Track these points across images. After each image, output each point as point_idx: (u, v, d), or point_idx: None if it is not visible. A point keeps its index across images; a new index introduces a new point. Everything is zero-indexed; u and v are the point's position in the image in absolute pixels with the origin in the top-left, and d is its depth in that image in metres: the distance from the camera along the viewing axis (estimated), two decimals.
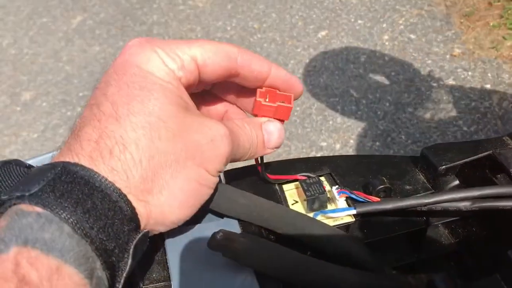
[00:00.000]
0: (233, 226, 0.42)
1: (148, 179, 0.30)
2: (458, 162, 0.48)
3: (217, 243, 0.37)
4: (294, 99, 0.41)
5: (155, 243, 0.41)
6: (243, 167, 0.48)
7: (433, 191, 0.49)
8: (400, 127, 1.67)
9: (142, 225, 0.31)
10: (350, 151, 1.63)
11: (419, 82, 1.81)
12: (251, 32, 2.22)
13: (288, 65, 2.02)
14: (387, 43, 2.00)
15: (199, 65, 0.34)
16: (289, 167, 0.49)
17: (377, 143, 1.64)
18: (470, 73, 1.81)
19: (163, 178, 0.31)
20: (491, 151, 0.48)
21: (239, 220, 0.43)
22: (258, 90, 0.39)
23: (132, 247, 0.30)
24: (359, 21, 2.15)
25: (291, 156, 1.66)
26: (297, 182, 0.46)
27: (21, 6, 2.67)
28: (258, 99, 0.39)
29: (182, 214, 0.33)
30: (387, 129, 1.68)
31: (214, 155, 0.33)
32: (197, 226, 0.42)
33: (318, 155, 1.64)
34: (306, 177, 0.46)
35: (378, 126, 1.70)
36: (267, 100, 0.39)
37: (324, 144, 1.68)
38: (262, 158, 0.44)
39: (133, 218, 0.30)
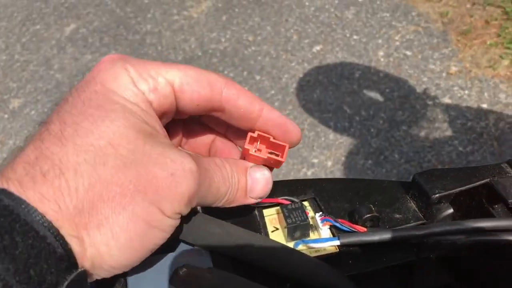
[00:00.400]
0: (204, 258, 0.39)
1: (84, 211, 0.26)
2: (452, 191, 0.45)
3: (180, 279, 0.34)
4: (290, 147, 0.37)
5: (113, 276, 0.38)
6: None
7: (425, 221, 0.47)
8: (393, 145, 1.65)
9: (78, 264, 0.27)
10: (342, 169, 1.60)
11: (414, 100, 1.80)
12: (245, 44, 2.20)
13: (282, 79, 2.00)
14: (382, 59, 1.99)
15: (175, 90, 0.31)
16: (272, 190, 0.47)
17: (370, 161, 1.62)
18: (466, 91, 1.80)
19: (102, 213, 0.27)
20: (488, 179, 0.45)
21: (212, 252, 0.40)
22: (249, 134, 0.35)
23: None
24: (355, 37, 2.14)
25: (282, 173, 1.63)
26: (278, 207, 0.44)
27: (15, 12, 2.66)
28: (246, 146, 0.36)
29: (124, 259, 0.28)
30: (380, 147, 1.66)
31: (172, 193, 0.28)
32: (161, 255, 0.39)
33: (309, 172, 1.61)
34: (288, 201, 0.44)
35: (371, 143, 1.68)
36: (256, 147, 0.36)
37: (315, 161, 1.66)
38: None
39: (64, 256, 0.25)
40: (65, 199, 0.26)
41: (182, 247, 0.39)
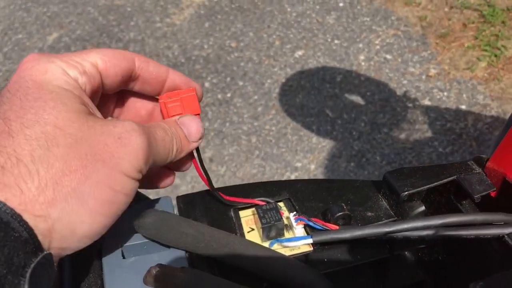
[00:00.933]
0: (179, 259, 0.40)
1: (48, 189, 0.28)
2: (421, 188, 0.46)
3: (154, 279, 0.35)
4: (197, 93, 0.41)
5: (91, 276, 0.39)
6: (198, 192, 0.47)
7: (396, 218, 0.48)
8: (375, 147, 1.67)
9: (45, 243, 0.28)
10: (325, 172, 1.62)
11: (395, 103, 1.82)
12: (228, 50, 2.22)
13: (264, 84, 2.02)
14: (363, 63, 2.02)
15: (100, 69, 0.34)
16: (248, 191, 0.48)
17: (352, 164, 1.64)
18: (445, 93, 1.83)
19: (68, 186, 0.29)
20: (455, 176, 0.46)
21: (186, 251, 0.41)
22: (160, 96, 0.40)
23: (29, 271, 0.26)
24: (336, 41, 2.16)
25: (266, 177, 1.64)
26: (254, 208, 0.45)
27: None
28: (161, 101, 0.40)
29: (94, 224, 0.30)
30: (362, 150, 1.68)
31: (126, 153, 0.31)
32: (140, 257, 0.40)
33: (293, 176, 1.62)
34: (263, 202, 0.45)
35: (353, 146, 1.70)
36: (169, 99, 0.40)
37: (299, 164, 1.67)
38: (199, 155, 0.43)
39: (29, 240, 0.27)
40: (26, 182, 0.27)
41: (158, 248, 0.40)
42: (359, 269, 0.51)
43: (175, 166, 0.42)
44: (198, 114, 0.41)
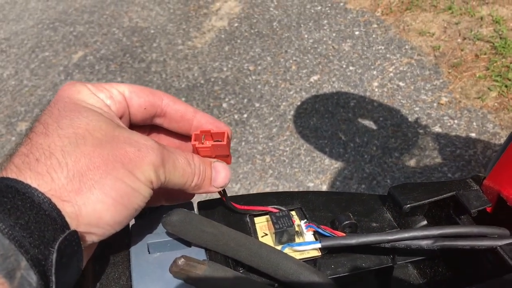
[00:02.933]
0: (200, 255, 0.43)
1: (75, 179, 0.32)
2: (422, 202, 0.49)
3: (178, 268, 0.38)
4: (229, 137, 0.43)
5: (120, 267, 0.42)
6: (218, 198, 0.49)
7: (398, 229, 0.50)
8: (386, 171, 1.69)
9: (73, 225, 0.32)
10: None
11: (406, 128, 1.84)
12: (246, 73, 2.27)
13: (280, 106, 2.06)
14: (376, 90, 2.05)
15: (126, 98, 0.39)
16: (262, 200, 0.50)
17: (363, 186, 1.65)
18: (456, 121, 1.84)
19: (92, 178, 0.33)
20: (454, 192, 0.49)
21: (206, 249, 0.43)
22: (193, 133, 0.43)
23: (57, 244, 0.30)
24: (351, 68, 2.20)
25: None
26: (268, 216, 0.47)
27: (25, 40, 2.74)
28: (193, 142, 0.42)
29: (116, 214, 0.34)
30: (373, 173, 1.70)
31: (141, 163, 0.35)
32: (164, 253, 0.43)
33: None
34: (277, 210, 0.47)
35: (364, 169, 1.71)
36: (202, 142, 0.42)
37: (311, 184, 1.70)
38: (224, 190, 0.46)
39: (57, 218, 0.31)
40: (56, 172, 0.32)
41: (180, 246, 0.44)
42: (364, 278, 0.54)
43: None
44: (228, 156, 0.44)
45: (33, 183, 0.31)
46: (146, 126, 0.44)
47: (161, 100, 0.41)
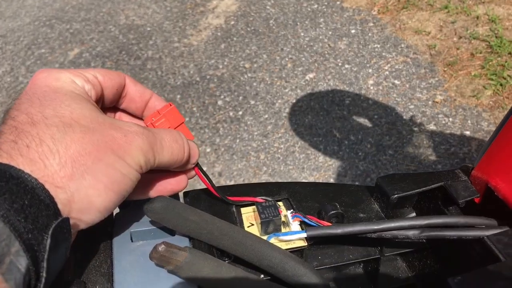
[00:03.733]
0: (183, 244, 0.42)
1: (67, 165, 0.32)
2: (410, 192, 0.49)
3: (159, 254, 0.38)
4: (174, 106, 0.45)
5: (102, 255, 0.42)
6: (204, 188, 0.49)
7: (385, 219, 0.50)
8: (380, 168, 1.69)
9: (65, 212, 0.32)
10: None
11: (401, 126, 1.85)
12: (242, 71, 2.27)
13: (275, 104, 2.06)
14: (371, 88, 2.05)
15: (100, 81, 0.40)
16: (249, 191, 0.50)
17: (357, 183, 1.66)
18: (450, 119, 1.85)
19: (84, 164, 0.33)
20: (442, 183, 0.49)
21: (190, 238, 0.43)
22: (145, 119, 0.45)
23: (51, 230, 0.30)
24: (346, 66, 2.21)
25: None
26: (254, 206, 0.47)
27: (21, 37, 2.73)
28: (148, 120, 0.44)
29: (107, 199, 0.34)
30: (367, 170, 1.70)
31: (129, 148, 0.35)
32: (146, 242, 0.43)
33: None
34: (263, 200, 0.47)
35: (358, 166, 1.72)
36: (154, 119, 0.44)
37: (305, 181, 1.69)
38: (206, 174, 0.46)
39: (50, 204, 0.31)
40: (48, 159, 0.32)
41: (164, 235, 0.44)
42: (352, 270, 0.54)
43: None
44: (183, 122, 0.45)
45: (26, 169, 0.31)
46: (108, 108, 0.45)
47: (125, 81, 0.43)
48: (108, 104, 0.43)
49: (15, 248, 0.28)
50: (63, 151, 0.32)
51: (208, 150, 1.87)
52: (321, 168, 1.73)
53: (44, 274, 0.30)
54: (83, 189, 0.33)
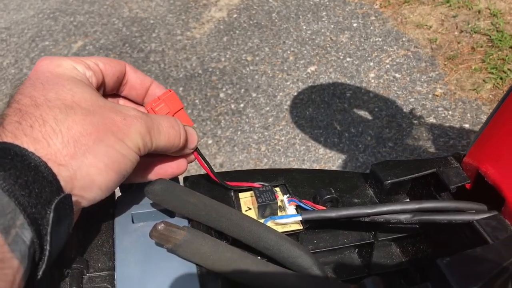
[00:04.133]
0: (182, 225, 0.43)
1: (69, 145, 0.34)
2: (403, 178, 0.50)
3: (158, 233, 0.39)
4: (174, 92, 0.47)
5: (104, 235, 0.44)
6: (204, 174, 0.50)
7: (378, 204, 0.51)
8: (379, 160, 1.70)
9: (67, 189, 0.34)
10: None
11: (401, 119, 1.86)
12: (244, 64, 2.28)
13: (276, 96, 2.07)
14: (372, 81, 2.06)
15: (101, 69, 0.41)
16: (247, 177, 0.51)
17: None
18: (450, 112, 1.85)
19: (85, 144, 0.34)
20: (435, 169, 0.50)
21: (189, 220, 0.45)
22: (145, 105, 0.46)
23: (53, 205, 0.32)
24: (348, 59, 2.21)
25: None
26: (252, 191, 0.48)
27: (25, 29, 2.74)
28: (148, 106, 0.45)
29: (107, 178, 0.36)
30: (367, 162, 1.71)
31: (128, 131, 0.37)
32: (147, 223, 0.44)
33: None
34: (261, 185, 0.48)
35: (358, 158, 1.73)
36: (154, 104, 0.45)
37: None
38: (205, 158, 0.47)
39: (53, 181, 0.33)
40: (52, 138, 0.33)
41: (163, 217, 0.45)
42: (347, 254, 0.55)
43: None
44: (182, 108, 0.46)
45: (30, 148, 0.32)
46: (110, 95, 0.46)
47: (125, 69, 0.44)
48: (110, 91, 0.45)
49: (20, 221, 0.30)
50: (66, 131, 0.34)
51: (210, 142, 1.88)
52: (321, 160, 1.74)
53: (48, 247, 0.32)
54: (84, 167, 0.34)
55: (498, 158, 0.48)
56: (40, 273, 0.32)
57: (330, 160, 1.73)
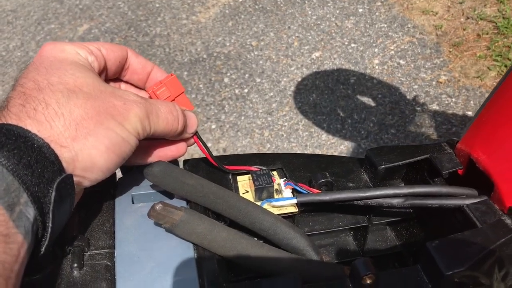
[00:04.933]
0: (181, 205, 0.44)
1: (71, 127, 0.35)
2: (397, 163, 0.51)
3: (156, 213, 0.41)
4: (175, 76, 0.47)
5: (105, 215, 0.45)
6: (203, 157, 0.51)
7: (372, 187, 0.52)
8: None
9: (69, 170, 0.35)
10: None
11: (404, 106, 1.86)
12: (248, 49, 2.28)
13: (280, 82, 2.07)
14: (377, 67, 2.06)
15: (103, 54, 0.42)
16: (246, 161, 0.52)
17: None
18: (453, 99, 1.85)
19: (87, 127, 0.36)
20: (428, 155, 0.51)
21: (188, 202, 0.46)
22: (147, 89, 0.47)
23: (55, 184, 0.33)
24: (352, 45, 2.20)
25: None
26: (249, 175, 0.49)
27: (31, 12, 2.74)
28: (150, 89, 0.46)
29: (108, 160, 0.37)
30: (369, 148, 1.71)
31: (127, 115, 0.38)
32: (146, 204, 0.46)
33: None
34: (258, 169, 0.49)
35: (360, 144, 1.73)
36: (156, 87, 0.46)
37: None
38: (204, 142, 0.48)
39: (55, 161, 0.34)
40: (54, 121, 0.35)
41: (163, 198, 0.46)
42: (342, 237, 0.56)
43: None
44: (183, 92, 0.47)
45: (33, 129, 0.34)
46: (112, 80, 0.47)
47: (127, 54, 0.45)
48: (112, 76, 0.46)
49: (24, 199, 0.31)
50: (68, 114, 0.35)
51: (213, 126, 1.89)
52: (323, 146, 1.75)
53: (50, 224, 0.33)
54: (86, 149, 0.36)
55: (489, 145, 0.48)
56: (43, 249, 0.34)
57: (333, 146, 1.74)
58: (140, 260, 0.41)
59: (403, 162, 0.52)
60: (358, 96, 1.94)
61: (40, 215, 0.33)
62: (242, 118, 1.92)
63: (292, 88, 2.03)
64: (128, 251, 0.41)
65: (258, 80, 2.10)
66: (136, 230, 0.44)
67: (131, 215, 0.45)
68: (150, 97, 0.46)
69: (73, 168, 0.36)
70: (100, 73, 0.43)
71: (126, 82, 0.48)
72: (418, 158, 0.52)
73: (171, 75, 0.47)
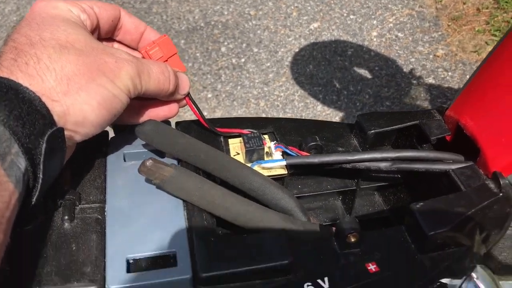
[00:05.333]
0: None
1: (63, 82, 0.36)
2: (386, 128, 0.52)
3: (146, 168, 0.41)
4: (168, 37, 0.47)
5: (96, 171, 0.46)
6: (195, 120, 0.51)
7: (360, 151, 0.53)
8: None
9: (60, 123, 0.36)
10: None
11: (400, 79, 1.86)
12: (246, 18, 2.25)
13: (278, 52, 2.06)
14: (375, 39, 2.04)
15: (96, 12, 0.42)
16: (238, 124, 0.53)
17: None
18: (450, 73, 1.85)
19: (78, 83, 0.36)
20: (418, 121, 0.52)
21: (179, 161, 0.47)
22: (139, 48, 0.48)
23: (46, 137, 0.34)
24: (351, 16, 2.18)
25: None
26: (241, 138, 0.50)
27: None
28: (143, 49, 0.46)
29: (100, 115, 0.38)
30: None
31: (119, 73, 0.38)
32: (138, 162, 0.46)
33: None
34: (249, 132, 0.50)
35: (355, 116, 1.73)
36: (149, 47, 0.46)
37: None
38: (196, 104, 0.49)
39: (46, 115, 0.34)
40: (46, 75, 0.35)
41: (154, 157, 0.46)
42: (331, 200, 0.58)
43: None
44: (176, 53, 0.47)
45: (25, 83, 0.34)
46: (105, 39, 0.47)
47: (120, 13, 0.45)
48: (104, 35, 0.46)
49: (15, 150, 0.32)
50: (59, 69, 0.36)
51: (209, 95, 1.89)
52: (319, 117, 1.75)
53: (41, 175, 0.34)
54: (77, 104, 0.36)
55: (477, 111, 0.49)
56: (34, 199, 0.35)
57: (328, 117, 1.74)
58: (130, 215, 0.42)
59: (392, 127, 0.53)
60: (355, 68, 1.93)
61: (31, 166, 0.33)
62: (239, 87, 1.92)
63: (289, 59, 2.02)
64: (119, 206, 0.42)
65: (255, 50, 2.09)
66: (127, 186, 0.44)
67: (123, 172, 0.46)
68: (143, 57, 0.46)
69: (65, 122, 0.36)
70: (92, 32, 0.43)
71: (119, 42, 0.48)
72: (407, 124, 0.52)
73: (164, 35, 0.47)
